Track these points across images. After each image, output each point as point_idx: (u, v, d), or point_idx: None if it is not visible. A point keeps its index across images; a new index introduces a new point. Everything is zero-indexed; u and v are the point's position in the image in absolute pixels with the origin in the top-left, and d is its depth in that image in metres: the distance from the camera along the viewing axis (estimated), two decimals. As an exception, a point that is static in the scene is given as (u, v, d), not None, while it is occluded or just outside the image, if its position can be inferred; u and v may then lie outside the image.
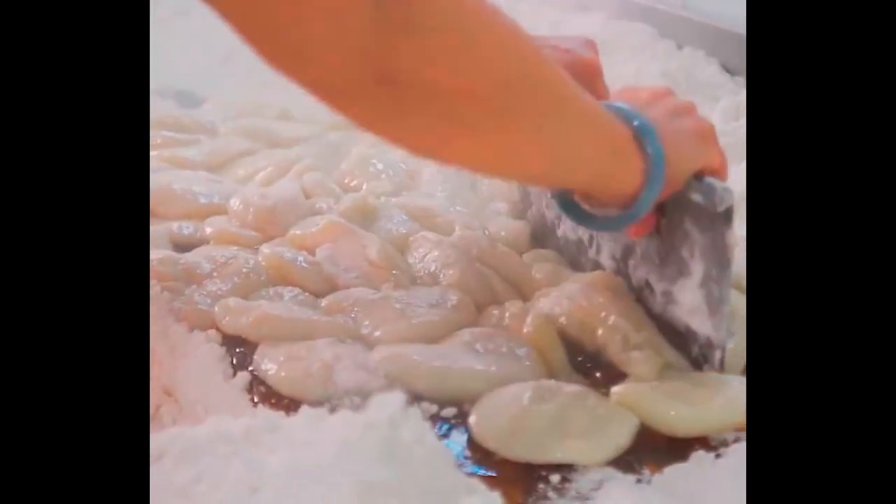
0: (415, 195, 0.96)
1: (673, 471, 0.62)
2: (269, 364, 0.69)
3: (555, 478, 0.61)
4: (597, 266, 0.80)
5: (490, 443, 0.64)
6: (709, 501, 0.60)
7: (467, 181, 0.98)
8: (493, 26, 0.59)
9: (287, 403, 0.67)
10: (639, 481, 0.62)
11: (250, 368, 0.70)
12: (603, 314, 0.74)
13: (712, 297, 0.69)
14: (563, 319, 0.75)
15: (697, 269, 0.70)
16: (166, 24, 1.31)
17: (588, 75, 0.71)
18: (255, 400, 0.68)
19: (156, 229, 0.86)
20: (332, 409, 0.61)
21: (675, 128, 0.68)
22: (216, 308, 0.75)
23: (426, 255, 0.83)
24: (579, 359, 0.73)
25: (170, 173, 0.96)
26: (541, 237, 0.88)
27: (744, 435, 0.64)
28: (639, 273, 0.76)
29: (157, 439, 0.55)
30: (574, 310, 0.75)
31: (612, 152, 0.66)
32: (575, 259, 0.83)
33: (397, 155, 1.01)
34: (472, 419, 0.65)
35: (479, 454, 0.63)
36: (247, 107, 1.16)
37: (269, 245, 0.84)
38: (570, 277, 0.80)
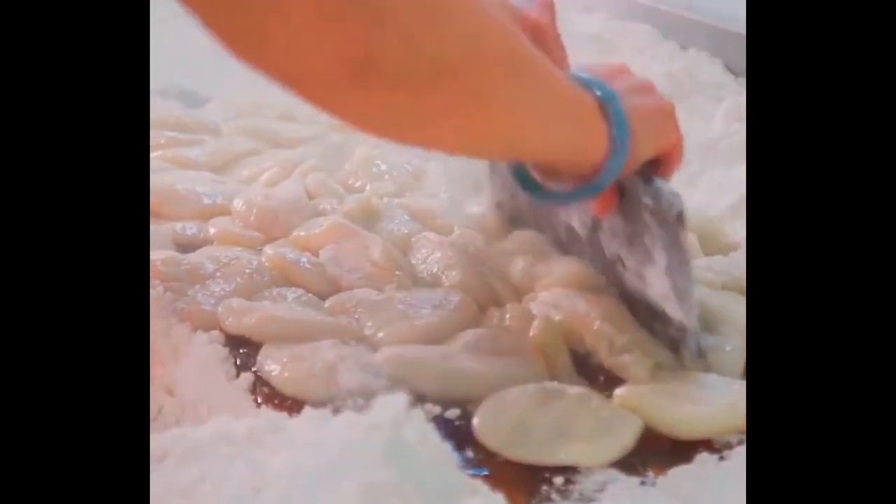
0: (418, 196, 0.95)
1: (677, 473, 0.62)
2: (272, 365, 0.69)
3: (558, 480, 0.61)
4: (570, 230, 0.80)
5: (493, 444, 0.64)
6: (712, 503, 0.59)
7: (470, 182, 0.98)
8: (464, 3, 0.58)
9: (290, 404, 0.67)
10: (642, 483, 0.61)
11: (253, 369, 0.70)
12: (588, 319, 0.74)
13: (678, 286, 0.69)
14: (558, 319, 0.75)
15: (661, 258, 0.70)
16: (169, 23, 1.31)
17: (544, 39, 0.70)
18: (259, 401, 0.68)
19: (159, 230, 0.86)
20: (336, 410, 0.61)
21: (637, 103, 0.68)
22: (219, 309, 0.75)
23: (429, 256, 0.83)
24: (582, 361, 0.73)
25: (173, 174, 0.96)
26: (514, 208, 0.87)
27: (747, 437, 0.64)
28: (611, 247, 0.76)
29: (160, 440, 0.55)
30: (564, 316, 0.75)
31: (578, 119, 0.66)
32: (546, 220, 0.82)
33: (401, 156, 1.01)
34: (475, 420, 0.65)
35: (483, 455, 0.63)
36: (250, 107, 1.16)
37: (272, 246, 0.84)
38: (550, 272, 0.80)
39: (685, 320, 0.70)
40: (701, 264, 0.85)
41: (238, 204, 0.90)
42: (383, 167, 1.00)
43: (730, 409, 0.66)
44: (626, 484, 0.61)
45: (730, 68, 1.26)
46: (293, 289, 0.79)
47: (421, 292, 0.79)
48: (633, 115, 0.67)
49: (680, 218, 0.68)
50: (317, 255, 0.83)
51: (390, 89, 0.56)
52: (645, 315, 0.74)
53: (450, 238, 0.85)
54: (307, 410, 0.56)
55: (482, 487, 0.53)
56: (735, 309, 0.76)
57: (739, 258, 0.85)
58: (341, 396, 0.66)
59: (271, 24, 0.51)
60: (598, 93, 0.66)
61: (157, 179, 0.92)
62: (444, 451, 0.54)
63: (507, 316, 0.76)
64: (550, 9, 0.74)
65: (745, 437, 0.64)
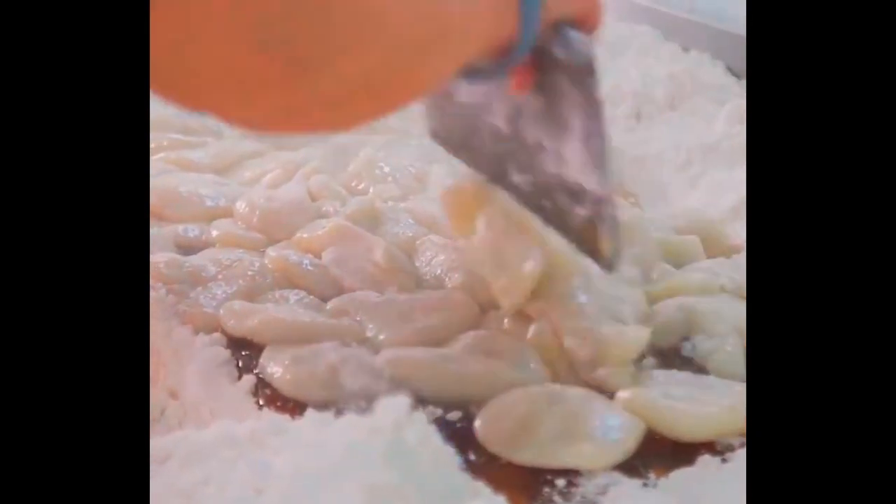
0: (422, 199, 0.96)
1: (679, 475, 0.62)
2: (274, 367, 0.69)
3: (560, 482, 0.61)
4: (495, 130, 0.78)
5: (495, 446, 0.64)
6: (715, 506, 0.60)
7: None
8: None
9: (292, 406, 0.67)
10: (645, 485, 0.61)
11: (256, 371, 0.70)
12: (558, 336, 0.74)
13: (594, 151, 0.69)
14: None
15: (577, 121, 0.69)
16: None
17: None
18: (261, 403, 0.68)
19: (162, 232, 0.86)
20: (338, 412, 0.61)
21: None
22: (221, 311, 0.75)
23: (433, 258, 0.83)
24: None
25: (176, 176, 0.96)
26: (436, 118, 0.86)
27: (750, 439, 0.64)
28: (531, 134, 0.74)
29: (162, 442, 0.55)
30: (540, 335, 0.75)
31: (492, 13, 0.63)
32: (473, 127, 0.81)
33: (405, 159, 1.01)
34: (477, 423, 0.65)
35: (485, 458, 0.63)
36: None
37: (274, 248, 0.84)
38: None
39: (601, 187, 0.69)
40: (703, 266, 0.85)
41: (241, 206, 0.90)
42: (386, 169, 1.00)
43: (731, 410, 0.66)
44: (628, 486, 0.61)
45: (732, 70, 1.27)
46: (295, 291, 0.79)
47: (422, 294, 0.79)
48: None
49: (590, 66, 0.67)
50: (319, 257, 0.83)
51: (332, 92, 0.55)
52: (565, 205, 0.72)
53: (456, 241, 0.85)
54: (309, 412, 0.56)
55: (484, 490, 0.53)
56: (736, 311, 0.76)
57: (741, 261, 0.85)
58: (343, 398, 0.66)
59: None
60: None
61: (159, 181, 0.93)
62: (446, 453, 0.54)
63: (506, 319, 0.76)
64: None
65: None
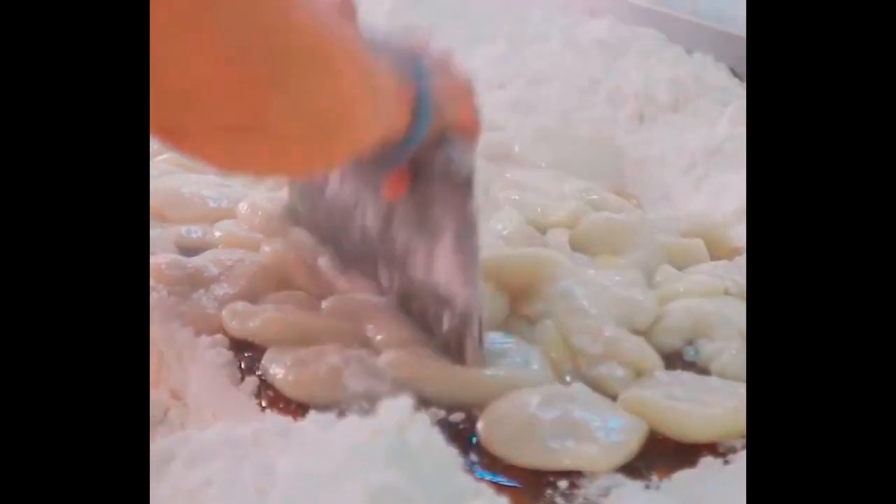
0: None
1: (681, 476, 0.62)
2: (277, 368, 0.69)
3: (563, 484, 0.61)
4: (364, 231, 0.78)
5: (498, 448, 0.64)
6: (717, 507, 0.59)
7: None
8: (332, 44, 0.57)
9: (295, 408, 0.67)
10: (647, 487, 0.61)
11: (258, 373, 0.70)
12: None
13: (463, 264, 0.69)
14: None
15: (449, 228, 0.69)
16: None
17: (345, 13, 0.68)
18: (264, 404, 0.68)
19: (164, 233, 0.86)
20: (341, 414, 0.61)
21: (437, 82, 0.67)
22: (223, 312, 0.75)
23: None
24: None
25: (179, 177, 0.96)
26: (306, 207, 0.86)
27: (753, 441, 0.64)
28: (402, 236, 0.74)
29: (166, 443, 0.55)
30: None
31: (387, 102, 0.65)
32: (343, 225, 0.81)
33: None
34: (480, 424, 0.65)
35: (487, 459, 0.63)
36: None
37: (276, 248, 0.84)
38: None
39: (468, 300, 0.69)
40: (705, 269, 0.85)
41: (243, 207, 0.90)
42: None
43: (734, 412, 0.66)
44: (630, 488, 0.61)
45: (735, 72, 1.26)
46: (297, 292, 0.79)
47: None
48: (434, 91, 0.66)
49: (468, 181, 0.67)
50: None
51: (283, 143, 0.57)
52: (432, 311, 0.72)
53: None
54: (312, 414, 0.56)
55: (487, 491, 0.53)
56: (739, 314, 0.76)
57: (744, 263, 0.85)
58: (346, 400, 0.66)
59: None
60: (405, 70, 0.65)
61: (162, 183, 0.93)
62: (449, 454, 0.53)
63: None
64: None
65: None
